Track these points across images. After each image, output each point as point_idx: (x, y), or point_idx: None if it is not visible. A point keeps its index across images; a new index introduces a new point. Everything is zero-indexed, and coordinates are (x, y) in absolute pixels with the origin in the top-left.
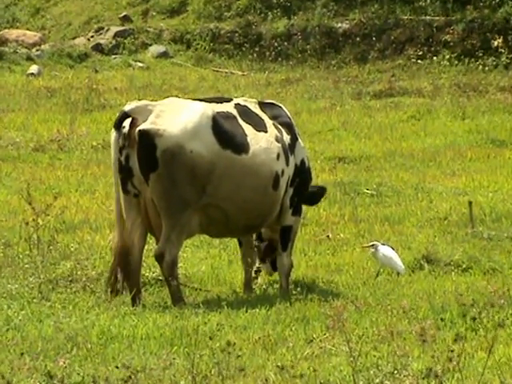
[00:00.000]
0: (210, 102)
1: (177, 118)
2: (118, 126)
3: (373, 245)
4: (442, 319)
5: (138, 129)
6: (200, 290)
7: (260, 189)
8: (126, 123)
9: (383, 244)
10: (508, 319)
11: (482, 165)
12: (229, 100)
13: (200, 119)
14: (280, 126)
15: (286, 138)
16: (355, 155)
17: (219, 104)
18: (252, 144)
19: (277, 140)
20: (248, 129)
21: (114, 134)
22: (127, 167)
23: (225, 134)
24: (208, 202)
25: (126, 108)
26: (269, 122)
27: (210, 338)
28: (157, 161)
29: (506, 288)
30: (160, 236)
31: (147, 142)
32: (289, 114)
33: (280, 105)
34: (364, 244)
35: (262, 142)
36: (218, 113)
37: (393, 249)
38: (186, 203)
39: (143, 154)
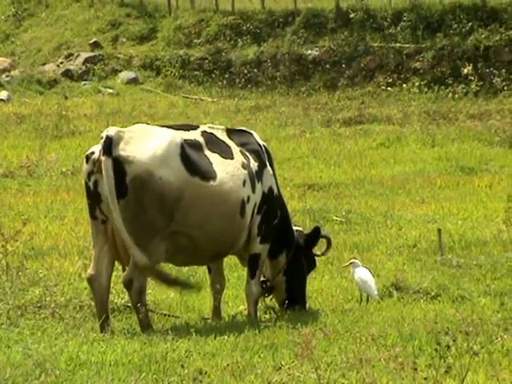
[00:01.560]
0: (177, 129)
1: (146, 144)
2: (109, 151)
3: (351, 262)
4: (419, 349)
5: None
6: (169, 316)
7: (228, 216)
8: (96, 149)
9: (362, 266)
10: (477, 347)
11: (452, 192)
12: (195, 127)
13: (169, 146)
14: (247, 153)
15: (254, 165)
16: (324, 182)
17: (186, 132)
18: (219, 171)
19: (243, 167)
20: (214, 156)
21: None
22: (95, 193)
23: (192, 161)
24: (176, 229)
25: (110, 133)
26: (235, 149)
27: (182, 366)
28: (126, 187)
29: (475, 316)
30: (127, 263)
31: (117, 168)
32: (259, 141)
33: (251, 132)
34: (343, 264)
35: (229, 169)
36: (185, 140)
37: (370, 271)
38: (155, 230)
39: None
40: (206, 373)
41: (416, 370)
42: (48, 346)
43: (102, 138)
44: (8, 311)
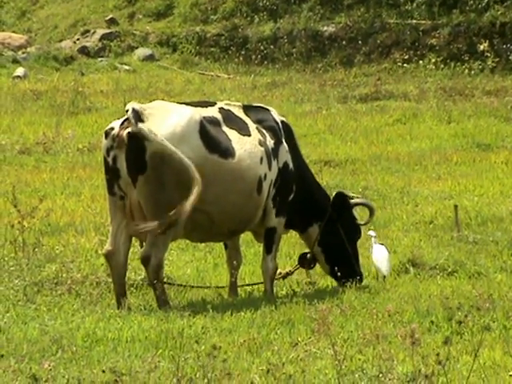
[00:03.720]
0: (195, 106)
1: (165, 121)
2: (138, 120)
3: (369, 234)
4: (432, 322)
5: (127, 131)
6: (184, 286)
7: (245, 193)
8: (115, 124)
9: (377, 243)
10: (493, 323)
11: (468, 169)
12: (213, 104)
13: (188, 123)
14: (264, 130)
15: (270, 142)
16: (341, 159)
17: (204, 108)
18: (237, 149)
19: (260, 144)
20: (232, 133)
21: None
22: (114, 168)
23: (212, 138)
24: (194, 206)
25: (135, 106)
26: (252, 126)
27: (197, 342)
28: (145, 163)
29: (491, 292)
30: (145, 239)
31: (136, 144)
32: (277, 117)
33: (268, 108)
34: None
35: (247, 146)
36: (204, 117)
37: (386, 248)
38: (173, 207)
39: (132, 156)
40: (220, 348)
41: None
42: (64, 322)
43: (127, 111)
44: (25, 288)
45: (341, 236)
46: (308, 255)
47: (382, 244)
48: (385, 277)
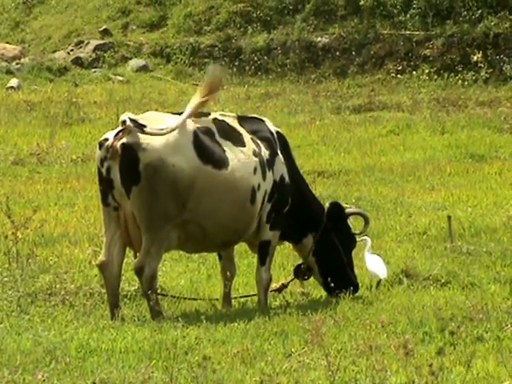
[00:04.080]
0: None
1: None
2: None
3: (363, 240)
4: (424, 333)
5: (121, 142)
6: (178, 297)
7: (238, 204)
8: (109, 135)
9: (371, 251)
10: (486, 333)
11: (461, 179)
12: (207, 115)
13: (182, 134)
14: (259, 141)
15: (265, 152)
16: (334, 169)
17: (198, 119)
18: (231, 159)
19: (254, 154)
20: (226, 144)
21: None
22: (108, 179)
23: (205, 149)
24: (188, 218)
25: (130, 116)
26: (247, 137)
27: (186, 353)
28: (139, 174)
29: (485, 303)
30: (139, 250)
31: (130, 155)
32: (272, 128)
33: (263, 119)
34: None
35: (240, 156)
36: (198, 128)
37: (379, 257)
38: (167, 217)
39: (126, 167)
40: (209, 358)
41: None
42: (58, 333)
43: (121, 122)
44: (18, 298)
45: (335, 246)
46: (302, 266)
47: (377, 254)
48: (380, 281)
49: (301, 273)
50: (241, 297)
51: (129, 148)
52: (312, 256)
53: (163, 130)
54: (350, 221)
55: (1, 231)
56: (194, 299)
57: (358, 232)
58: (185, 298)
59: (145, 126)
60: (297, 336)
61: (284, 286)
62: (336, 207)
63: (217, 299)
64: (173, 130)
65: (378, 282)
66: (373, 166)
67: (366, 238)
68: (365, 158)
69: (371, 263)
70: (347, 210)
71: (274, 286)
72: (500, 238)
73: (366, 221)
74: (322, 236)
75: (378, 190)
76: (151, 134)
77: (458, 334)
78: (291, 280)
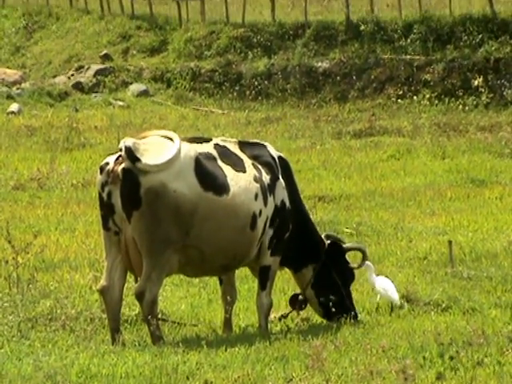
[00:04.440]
0: (190, 142)
1: (161, 157)
2: (133, 159)
3: (364, 265)
4: (424, 357)
5: (122, 166)
6: (178, 323)
7: (238, 229)
8: (110, 160)
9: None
10: (487, 358)
11: (462, 204)
12: (208, 140)
13: (183, 160)
14: (260, 166)
15: (266, 178)
16: (335, 194)
17: (199, 144)
18: (232, 185)
19: (255, 180)
20: (228, 169)
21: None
22: (109, 204)
23: (206, 175)
24: (188, 242)
25: (128, 143)
26: (248, 162)
27: (187, 378)
28: (140, 199)
29: (485, 327)
30: (140, 274)
31: (131, 180)
32: (273, 153)
33: (265, 144)
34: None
35: (241, 182)
36: (200, 154)
37: (391, 281)
38: (168, 242)
39: (126, 191)
40: (211, 383)
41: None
42: (59, 358)
43: (120, 149)
44: (19, 323)
45: (335, 281)
46: (300, 297)
47: (386, 276)
48: (394, 305)
49: (297, 303)
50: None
51: (130, 173)
52: (311, 289)
53: (157, 167)
54: (348, 255)
55: (1, 256)
56: (194, 325)
57: (356, 266)
58: (185, 324)
59: (139, 160)
60: (298, 361)
61: (283, 317)
62: (334, 246)
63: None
64: (166, 166)
65: (392, 307)
66: (373, 191)
67: (367, 263)
68: (365, 182)
69: (384, 286)
70: (345, 246)
71: (273, 316)
72: (501, 263)
73: (364, 255)
74: (321, 270)
75: (378, 215)
76: (143, 170)
77: (459, 359)
78: (290, 312)
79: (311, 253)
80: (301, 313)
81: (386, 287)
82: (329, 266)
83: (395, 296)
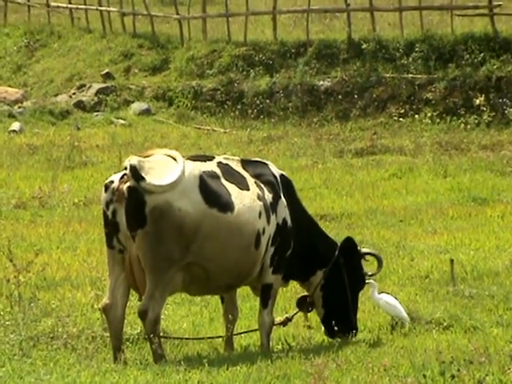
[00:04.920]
0: (194, 160)
1: (166, 176)
2: (138, 178)
3: (368, 283)
4: (424, 375)
5: (127, 185)
6: (181, 339)
7: (243, 248)
8: (115, 178)
9: (386, 293)
10: (489, 377)
11: (464, 223)
12: (211, 158)
13: (188, 178)
14: (262, 185)
15: (268, 196)
16: (337, 213)
17: (203, 163)
18: (236, 203)
19: (259, 198)
20: (231, 187)
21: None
22: (113, 222)
23: (211, 193)
24: (192, 260)
25: (133, 162)
26: (250, 180)
27: None
28: (145, 218)
29: (487, 346)
30: (144, 293)
31: (136, 198)
32: (275, 171)
33: (266, 162)
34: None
35: (245, 200)
36: (204, 172)
37: (395, 298)
38: (172, 261)
39: (132, 210)
40: None
41: None
42: (60, 376)
43: (125, 168)
44: (20, 342)
45: (344, 283)
46: (308, 299)
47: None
48: (404, 322)
49: (304, 305)
50: (242, 332)
51: (135, 191)
52: (320, 290)
53: (161, 187)
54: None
55: (3, 275)
56: (197, 339)
57: (370, 273)
58: (187, 339)
59: (143, 179)
60: (299, 379)
61: (288, 320)
62: (350, 242)
63: (221, 337)
64: (170, 187)
65: (393, 324)
66: (375, 210)
67: (371, 281)
68: (367, 201)
69: (391, 303)
70: (362, 250)
71: (278, 319)
72: (502, 282)
73: (380, 263)
74: (332, 270)
75: (380, 234)
76: (146, 190)
77: (461, 378)
78: (295, 313)
79: (318, 262)
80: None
81: (393, 304)
82: (341, 266)
83: (404, 313)
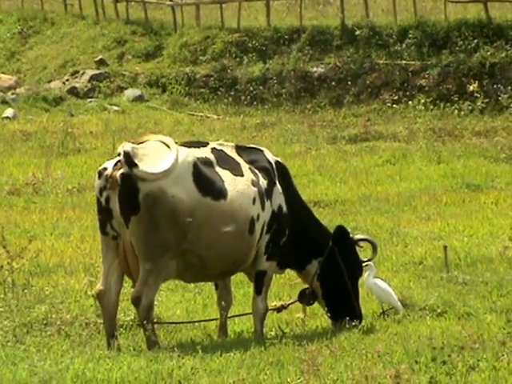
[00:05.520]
0: (188, 146)
1: (159, 162)
2: (131, 164)
3: (366, 265)
4: (416, 361)
5: (120, 172)
6: (175, 324)
7: (237, 234)
8: (109, 165)
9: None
10: (482, 363)
11: (457, 209)
12: (205, 144)
13: (182, 165)
14: (257, 171)
15: (263, 182)
16: (330, 199)
17: (197, 149)
18: (230, 190)
19: (253, 184)
20: (225, 174)
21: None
22: (107, 208)
23: (204, 180)
24: (186, 247)
25: (126, 148)
26: (245, 167)
27: (182, 383)
28: (138, 204)
29: (481, 332)
30: (137, 279)
31: (130, 185)
32: (270, 158)
33: (262, 149)
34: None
35: (239, 186)
36: (197, 158)
37: (389, 285)
38: (165, 248)
39: (125, 196)
40: None
41: None
42: (54, 363)
43: (118, 154)
44: (14, 328)
45: (341, 271)
46: (307, 291)
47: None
48: (396, 310)
49: (305, 298)
50: (236, 315)
51: (128, 178)
52: (317, 280)
53: (154, 175)
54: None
55: None
56: (190, 322)
57: (365, 259)
58: (181, 323)
59: (136, 166)
60: (293, 366)
61: (283, 308)
62: (342, 230)
63: (215, 319)
64: (163, 175)
65: (383, 311)
66: (369, 196)
67: (370, 263)
68: (361, 187)
69: (387, 291)
70: (355, 237)
71: (273, 304)
72: (496, 268)
73: (374, 248)
74: (327, 260)
75: (373, 220)
76: (139, 177)
77: (454, 364)
78: (292, 303)
79: (314, 250)
80: (305, 313)
81: (387, 290)
82: (335, 254)
83: (397, 301)
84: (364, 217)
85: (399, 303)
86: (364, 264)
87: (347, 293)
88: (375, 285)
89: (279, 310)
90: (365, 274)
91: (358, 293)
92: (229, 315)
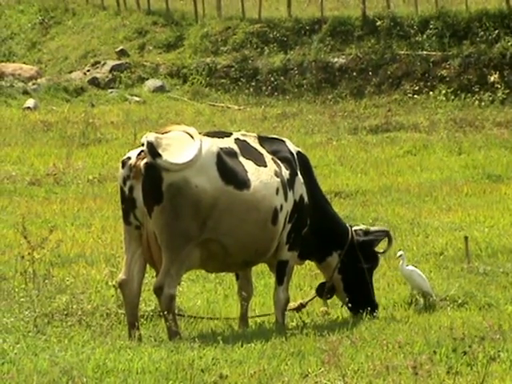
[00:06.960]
0: (212, 136)
1: (183, 152)
2: (154, 155)
3: (400, 255)
4: (435, 352)
5: (144, 161)
6: (195, 317)
7: (260, 224)
8: (132, 154)
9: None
10: (503, 354)
11: (478, 200)
12: (229, 135)
13: (205, 155)
14: (279, 161)
15: (285, 173)
16: (351, 190)
17: (221, 139)
18: (253, 180)
19: (276, 175)
20: (249, 164)
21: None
22: (130, 198)
23: (228, 170)
24: (209, 237)
25: (150, 139)
26: (268, 157)
27: (203, 373)
28: (162, 194)
29: (501, 323)
30: (160, 269)
31: (153, 175)
32: (292, 148)
33: (283, 139)
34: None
35: (262, 177)
36: (221, 149)
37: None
38: (188, 237)
39: (148, 186)
40: (226, 377)
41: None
42: (75, 353)
43: (142, 144)
44: (35, 319)
45: (361, 264)
46: (327, 284)
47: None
48: (428, 298)
49: (324, 292)
50: (257, 316)
51: (152, 168)
52: (338, 273)
53: (178, 165)
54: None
55: (17, 251)
56: (211, 318)
57: (381, 251)
58: (202, 318)
59: (160, 156)
60: (314, 356)
61: (302, 306)
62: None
63: (233, 318)
64: (186, 165)
65: (416, 299)
66: (390, 187)
67: (401, 252)
68: (382, 178)
69: (422, 278)
70: (371, 229)
71: (292, 304)
72: None
73: (390, 240)
74: (348, 252)
75: (394, 211)
76: (163, 167)
77: (475, 354)
78: (310, 299)
79: (333, 242)
80: (327, 306)
81: (424, 277)
82: (355, 247)
83: (430, 289)
84: (385, 207)
85: (431, 291)
86: (398, 254)
87: (367, 285)
88: (413, 271)
89: (298, 308)
90: (399, 263)
91: (373, 284)
92: (250, 307)
